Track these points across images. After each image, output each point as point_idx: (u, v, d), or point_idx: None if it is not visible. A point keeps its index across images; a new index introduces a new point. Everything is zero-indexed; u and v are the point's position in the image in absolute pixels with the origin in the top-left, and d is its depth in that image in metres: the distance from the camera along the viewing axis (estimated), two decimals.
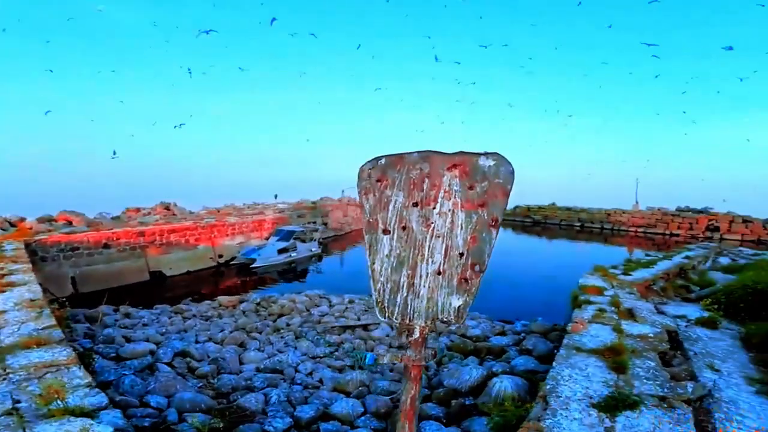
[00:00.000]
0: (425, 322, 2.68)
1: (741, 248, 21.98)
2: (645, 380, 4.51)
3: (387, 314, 2.75)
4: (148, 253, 19.82)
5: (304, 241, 28.19)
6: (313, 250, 28.82)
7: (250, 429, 6.06)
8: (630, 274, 11.02)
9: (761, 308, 7.09)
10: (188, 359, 9.66)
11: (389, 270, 2.68)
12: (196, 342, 11.48)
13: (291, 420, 6.52)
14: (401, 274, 2.66)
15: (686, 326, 6.90)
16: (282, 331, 13.48)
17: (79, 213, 26.12)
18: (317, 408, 7.02)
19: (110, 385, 6.85)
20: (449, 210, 2.50)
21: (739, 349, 5.89)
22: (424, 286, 2.62)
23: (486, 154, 2.39)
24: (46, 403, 4.33)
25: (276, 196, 38.22)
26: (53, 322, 6.87)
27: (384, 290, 2.73)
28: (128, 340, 9.92)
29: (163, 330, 11.84)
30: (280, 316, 15.14)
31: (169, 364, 8.99)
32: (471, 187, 2.43)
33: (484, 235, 2.44)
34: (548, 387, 4.23)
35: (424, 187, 2.54)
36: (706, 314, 7.53)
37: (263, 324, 13.81)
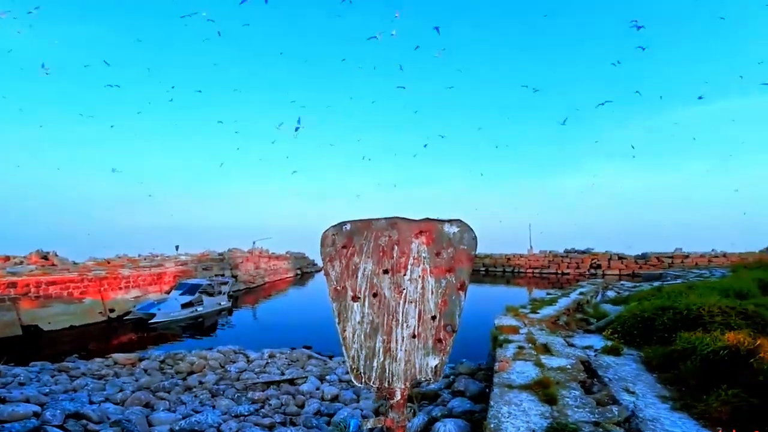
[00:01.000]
0: (404, 384, 2.76)
1: (622, 282, 25.44)
2: (575, 408, 4.94)
3: (364, 380, 2.76)
4: (20, 306, 16.74)
5: (211, 295, 26.19)
6: (222, 303, 26.86)
7: None
8: (537, 312, 12.03)
9: (650, 333, 8.24)
10: (84, 421, 8.14)
11: (362, 336, 2.73)
12: (90, 403, 9.78)
13: None
14: (376, 340, 2.73)
15: (595, 355, 7.64)
16: (195, 389, 12.08)
17: None
18: None
19: None
20: (419, 276, 2.66)
21: (644, 371, 6.68)
22: (401, 350, 2.72)
23: (450, 221, 2.65)
24: None
25: (177, 248, 35.40)
26: None
27: (359, 356, 2.75)
28: (2, 401, 8.18)
29: (46, 390, 9.93)
30: (191, 373, 13.62)
31: (61, 427, 7.48)
32: (438, 254, 2.63)
33: (453, 298, 2.66)
34: (492, 426, 4.46)
35: (394, 254, 2.66)
36: (609, 343, 8.43)
37: (171, 383, 12.24)
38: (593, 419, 4.61)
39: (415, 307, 2.67)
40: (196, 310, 24.06)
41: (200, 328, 23.04)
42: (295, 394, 11.64)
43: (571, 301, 13.84)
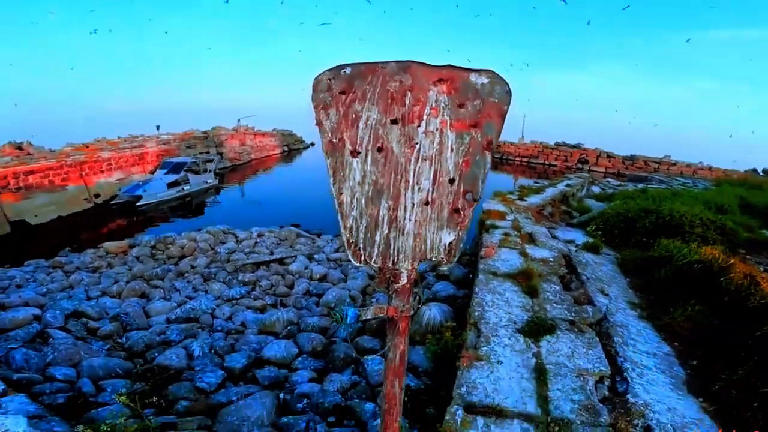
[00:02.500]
0: (412, 264, 2.30)
1: (608, 179, 25.52)
2: (554, 304, 5.08)
3: (363, 257, 2.30)
4: (2, 201, 16.45)
5: (197, 173, 25.89)
6: (208, 182, 26.73)
7: (180, 388, 5.68)
8: (524, 200, 12.02)
9: (630, 235, 8.21)
10: (84, 320, 8.63)
11: (363, 201, 2.21)
12: (88, 299, 10.25)
13: (223, 372, 6.25)
14: (380, 206, 2.22)
15: (576, 251, 7.72)
16: (187, 274, 12.60)
17: None
18: (248, 355, 6.82)
19: None
20: (437, 129, 2.11)
21: (618, 274, 6.80)
22: (410, 220, 2.22)
23: (478, 70, 2.06)
24: None
25: (158, 127, 33.76)
26: None
27: (358, 227, 2.25)
28: (2, 307, 8.43)
29: (44, 290, 10.30)
30: (182, 258, 14.04)
31: (62, 329, 7.93)
32: (461, 105, 2.07)
33: (477, 158, 2.13)
34: (476, 314, 4.56)
35: (407, 102, 2.09)
36: (590, 240, 8.48)
37: (163, 269, 12.72)
38: (569, 317, 4.80)
39: (430, 166, 2.17)
40: (183, 189, 23.97)
41: (188, 208, 23.29)
42: (284, 274, 12.23)
43: (557, 192, 13.76)
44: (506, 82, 2.06)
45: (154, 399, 3.78)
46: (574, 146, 46.19)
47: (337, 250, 14.35)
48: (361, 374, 6.19)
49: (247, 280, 11.84)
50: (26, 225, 17.49)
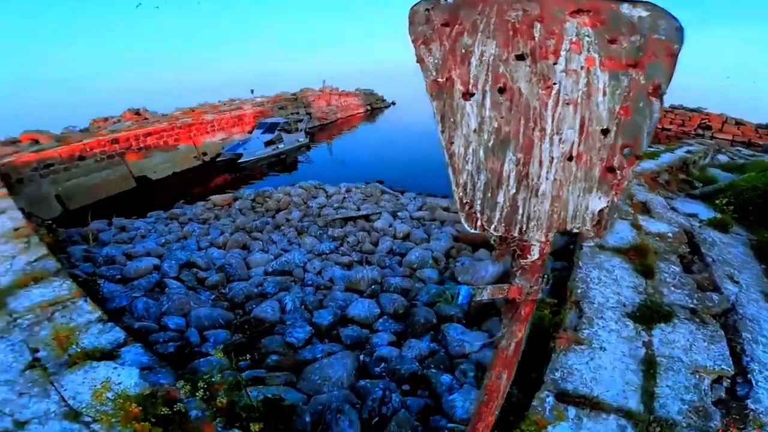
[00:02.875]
0: (545, 235, 1.86)
1: (738, 148, 21.55)
2: (672, 288, 4.36)
3: (480, 222, 1.87)
4: (127, 160, 18.78)
5: (289, 132, 27.08)
6: (300, 140, 27.85)
7: (272, 342, 6.08)
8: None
9: None
10: (195, 270, 9.59)
11: (482, 153, 1.79)
12: (199, 249, 11.38)
13: (311, 328, 6.56)
14: (505, 159, 1.78)
15: (699, 227, 6.58)
16: (282, 228, 13.38)
17: (44, 131, 24.15)
18: (334, 312, 7.05)
19: (123, 311, 6.74)
20: (582, 67, 1.64)
21: (752, 258, 5.64)
22: (546, 179, 1.78)
23: (632, 1, 1.54)
24: (63, 350, 4.16)
25: (252, 91, 35.67)
26: (45, 251, 6.45)
27: (474, 185, 1.83)
28: (129, 257, 9.69)
29: (163, 240, 11.63)
30: (278, 211, 14.92)
31: (177, 279, 8.91)
32: (613, 41, 1.59)
33: (641, 105, 1.62)
34: (579, 291, 4.09)
35: (536, 35, 1.64)
36: (717, 215, 7.16)
37: (262, 222, 13.66)
38: (690, 304, 4.13)
39: (575, 112, 1.71)
40: (278, 147, 25.30)
41: (282, 164, 24.58)
42: (370, 231, 12.41)
43: (676, 158, 11.90)
44: (673, 17, 1.49)
45: (248, 356, 4.01)
46: (693, 110, 39.59)
47: (420, 208, 14.18)
48: (440, 342, 6.05)
49: (336, 235, 12.23)
50: (148, 180, 19.85)
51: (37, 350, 4.26)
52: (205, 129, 23.40)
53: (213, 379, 3.24)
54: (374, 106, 48.02)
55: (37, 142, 22.41)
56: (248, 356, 3.87)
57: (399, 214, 13.64)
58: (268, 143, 24.58)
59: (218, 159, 23.28)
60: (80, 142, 17.28)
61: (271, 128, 25.65)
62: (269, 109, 30.98)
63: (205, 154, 23.17)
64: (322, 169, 23.30)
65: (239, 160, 22.48)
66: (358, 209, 14.36)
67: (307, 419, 4.15)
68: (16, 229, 7.22)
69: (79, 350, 4.15)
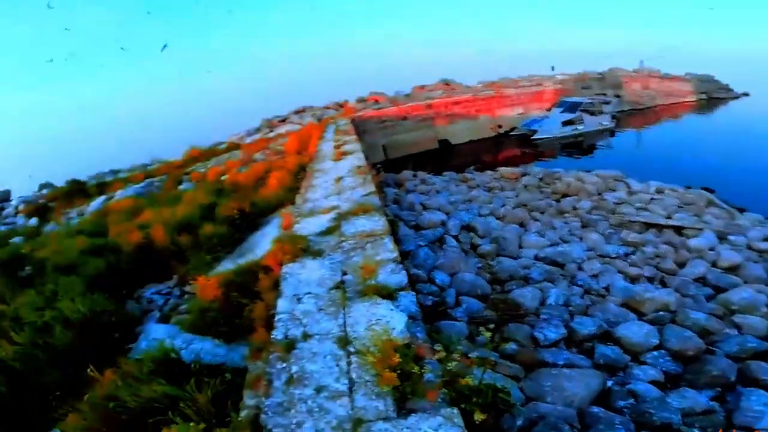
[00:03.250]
0: None
1: None
2: None
3: None
4: (436, 124, 21.29)
5: (593, 114, 24.55)
6: (603, 123, 24.93)
7: (518, 330, 5.67)
8: None
9: None
10: (472, 234, 10.05)
11: None
12: (479, 215, 11.84)
13: (564, 331, 5.80)
14: None
15: None
16: (567, 215, 12.42)
17: (382, 93, 30.19)
18: (599, 324, 6.02)
19: (408, 255, 7.70)
20: None
21: None
22: None
23: None
24: (363, 280, 4.72)
25: (553, 68, 33.90)
26: (373, 188, 7.84)
27: None
28: (425, 207, 11.01)
29: (452, 199, 12.67)
30: (565, 196, 13.85)
31: (455, 238, 9.55)
32: None
33: None
34: None
35: None
36: None
37: (546, 203, 13.06)
38: None
39: None
40: (577, 128, 23.47)
41: (579, 147, 22.64)
42: (678, 247, 9.99)
43: None
44: None
45: (489, 334, 3.76)
46: None
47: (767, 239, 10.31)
48: (726, 405, 4.62)
49: (629, 240, 10.42)
50: (448, 144, 22.05)
51: (345, 273, 5.03)
52: (504, 103, 23.92)
53: (468, 354, 3.21)
54: (712, 95, 37.70)
55: (377, 102, 28.23)
56: (489, 335, 3.66)
57: (730, 237, 10.34)
58: (566, 123, 23.10)
59: (512, 133, 23.51)
60: (406, 105, 20.57)
61: (572, 108, 23.89)
62: (571, 87, 28.81)
63: (500, 126, 23.81)
64: (624, 159, 20.18)
65: (533, 137, 22.06)
66: (669, 217, 11.74)
67: (518, 423, 3.74)
68: (359, 167, 9.20)
69: (372, 283, 4.61)
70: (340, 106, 29.21)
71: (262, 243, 7.16)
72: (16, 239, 13.72)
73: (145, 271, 7.25)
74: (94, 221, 10.78)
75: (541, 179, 15.36)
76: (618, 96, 31.12)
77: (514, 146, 22.60)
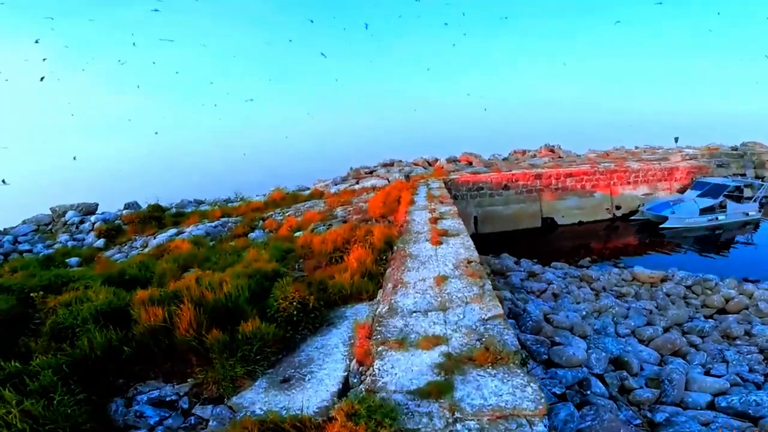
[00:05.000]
0: None
1: None
2: None
3: None
4: (542, 198, 18.31)
5: (737, 201, 20.02)
6: (750, 214, 20.16)
7: None
8: None
9: None
10: (622, 372, 6.94)
11: None
12: (616, 334, 8.71)
13: None
14: None
15: None
16: (738, 341, 8.95)
17: (476, 154, 28.06)
18: None
19: None
20: None
21: None
22: None
23: None
24: None
25: (677, 140, 29.55)
26: (499, 308, 4.59)
27: None
28: (548, 320, 8.03)
29: (581, 309, 9.53)
30: (722, 312, 10.61)
31: (600, 379, 6.50)
32: None
33: None
34: None
35: None
36: None
37: (702, 323, 9.63)
38: None
39: None
40: (717, 218, 19.12)
41: (713, 242, 18.22)
42: None
43: None
44: None
45: None
46: None
47: None
48: None
49: None
50: (553, 223, 18.80)
51: None
52: (627, 179, 20.25)
53: None
54: None
55: (470, 164, 26.03)
56: None
57: None
58: (705, 210, 18.87)
59: (633, 217, 19.75)
60: (509, 172, 17.98)
61: (714, 192, 19.62)
62: (707, 165, 24.30)
63: (618, 207, 20.11)
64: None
65: (662, 224, 18.16)
66: None
67: None
68: (468, 262, 6.54)
69: None
70: (430, 164, 27.45)
71: (322, 363, 4.85)
72: (73, 260, 13.09)
73: (155, 359, 5.20)
74: (143, 263, 9.38)
75: (688, 287, 11.73)
76: (761, 177, 25.91)
77: (631, 234, 18.78)
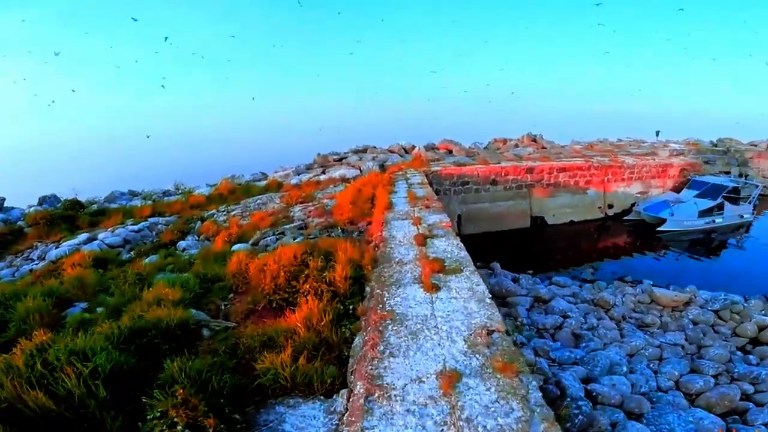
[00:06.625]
0: None
1: None
2: None
3: None
4: (532, 195, 16.12)
5: (735, 202, 18.59)
6: (744, 216, 18.82)
7: None
8: None
9: None
10: None
11: None
12: (658, 389, 6.60)
13: None
14: None
15: None
16: None
17: (456, 142, 25.72)
18: None
19: None
20: None
21: None
22: None
23: None
24: None
25: (658, 133, 28.30)
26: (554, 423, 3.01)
27: None
28: (591, 396, 5.75)
29: (615, 355, 7.31)
30: (754, 342, 8.94)
31: None
32: None
33: None
34: None
35: None
36: None
37: (757, 370, 7.76)
38: None
39: None
40: (714, 221, 17.60)
41: (706, 246, 16.71)
42: None
43: None
44: None
45: None
46: None
47: None
48: None
49: None
50: (543, 223, 16.74)
51: None
52: (622, 175, 18.39)
53: None
54: None
55: (450, 152, 23.66)
56: None
57: None
58: (704, 212, 17.31)
59: (626, 217, 17.98)
60: (498, 165, 15.63)
61: (713, 192, 18.04)
62: (698, 162, 22.91)
63: (611, 206, 18.26)
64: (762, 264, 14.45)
65: (660, 227, 16.44)
66: None
67: None
68: (488, 331, 4.23)
69: None
70: (407, 151, 24.92)
71: None
72: None
73: None
74: (3, 295, 6.52)
75: (715, 311, 9.86)
76: (744, 175, 24.89)
77: (624, 235, 16.98)
